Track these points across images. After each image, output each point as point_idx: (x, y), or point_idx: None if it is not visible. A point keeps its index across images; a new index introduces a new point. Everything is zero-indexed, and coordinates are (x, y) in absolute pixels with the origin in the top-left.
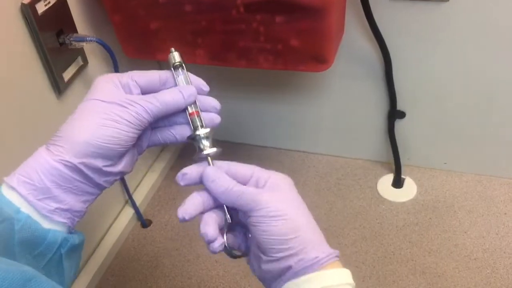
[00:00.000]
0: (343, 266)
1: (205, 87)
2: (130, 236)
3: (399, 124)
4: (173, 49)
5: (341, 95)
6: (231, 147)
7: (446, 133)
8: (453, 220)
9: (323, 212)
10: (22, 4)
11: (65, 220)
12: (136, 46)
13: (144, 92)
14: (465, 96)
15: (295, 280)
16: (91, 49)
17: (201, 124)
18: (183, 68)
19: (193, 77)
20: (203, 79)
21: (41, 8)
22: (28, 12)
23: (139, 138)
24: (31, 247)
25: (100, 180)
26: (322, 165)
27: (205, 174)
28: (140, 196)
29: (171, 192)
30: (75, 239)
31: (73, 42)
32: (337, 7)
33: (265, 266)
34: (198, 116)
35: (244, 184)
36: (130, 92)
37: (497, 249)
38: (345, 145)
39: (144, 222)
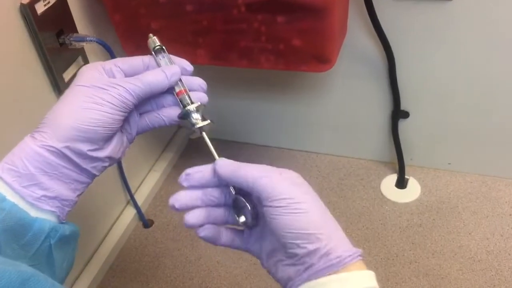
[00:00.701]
0: (366, 267)
1: (189, 67)
2: (132, 236)
3: (402, 124)
4: (151, 34)
5: (344, 95)
6: (233, 147)
7: (450, 133)
8: (457, 221)
9: None
10: (21, 4)
11: (53, 209)
12: (137, 46)
13: (128, 76)
14: (469, 96)
15: (316, 280)
16: (92, 49)
17: (190, 101)
18: (164, 51)
19: (176, 58)
20: (205, 78)
21: (40, 8)
22: (27, 12)
23: (127, 123)
24: (17, 236)
25: (88, 165)
26: (325, 165)
27: (219, 161)
28: (142, 195)
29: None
30: (65, 229)
31: (73, 42)
32: (339, 6)
33: (284, 262)
34: (186, 93)
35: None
36: (113, 77)
37: (501, 251)
38: (348, 145)
39: (146, 222)
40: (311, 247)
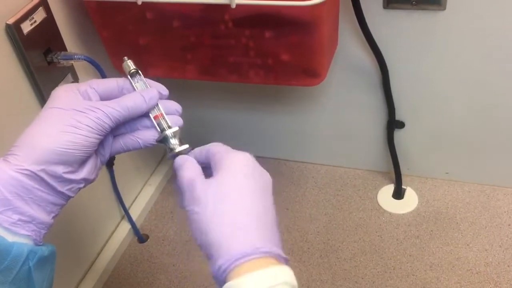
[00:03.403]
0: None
1: (164, 91)
2: (126, 252)
3: (398, 134)
4: (126, 58)
5: (339, 105)
6: None
7: (447, 142)
8: (455, 232)
9: (322, 225)
10: (6, 25)
11: (28, 233)
12: None
13: (103, 99)
14: (466, 105)
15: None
16: (81, 66)
17: (167, 125)
18: (139, 74)
19: (152, 82)
20: (198, 89)
21: (26, 27)
22: (12, 32)
23: (101, 146)
24: None
25: (63, 188)
26: (321, 175)
27: (175, 161)
28: (137, 210)
29: (168, 206)
30: (43, 251)
31: (61, 60)
32: (327, 20)
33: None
34: (163, 118)
35: (208, 164)
36: (89, 99)
37: (500, 263)
38: (345, 155)
39: (141, 237)
40: (206, 251)
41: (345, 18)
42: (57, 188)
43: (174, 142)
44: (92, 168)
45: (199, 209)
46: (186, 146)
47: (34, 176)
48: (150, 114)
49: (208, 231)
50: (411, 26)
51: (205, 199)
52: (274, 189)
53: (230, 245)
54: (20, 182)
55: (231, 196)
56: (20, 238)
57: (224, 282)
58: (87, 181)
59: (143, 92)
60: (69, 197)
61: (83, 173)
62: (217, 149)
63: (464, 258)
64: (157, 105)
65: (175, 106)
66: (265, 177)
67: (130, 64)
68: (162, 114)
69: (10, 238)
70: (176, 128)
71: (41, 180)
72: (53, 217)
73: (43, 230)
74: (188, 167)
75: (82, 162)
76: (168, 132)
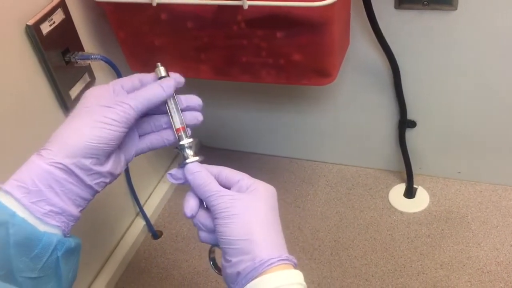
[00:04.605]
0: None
1: (180, 79)
2: (141, 248)
3: (410, 133)
4: (159, 64)
5: (351, 104)
6: (242, 157)
7: (459, 142)
8: (466, 231)
9: (333, 223)
10: (27, 26)
11: (58, 224)
12: (142, 62)
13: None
14: (477, 104)
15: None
16: (98, 65)
17: (185, 134)
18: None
19: (170, 73)
20: (212, 89)
21: (45, 28)
22: (32, 33)
23: (126, 144)
24: (27, 249)
25: (92, 182)
26: (333, 174)
27: (187, 167)
28: (151, 207)
29: (182, 203)
30: (70, 242)
31: (79, 60)
32: (338, 21)
33: (225, 270)
34: (184, 131)
35: (229, 188)
36: (117, 95)
37: (511, 262)
38: (356, 154)
39: (155, 234)
40: (239, 254)
41: (356, 19)
42: (86, 181)
43: (188, 152)
44: (116, 162)
45: (240, 218)
46: (197, 158)
47: (66, 169)
48: (173, 127)
49: (253, 235)
50: (423, 26)
51: (236, 210)
52: (286, 188)
53: (274, 249)
54: (52, 175)
55: (267, 212)
56: (50, 229)
57: (254, 276)
58: (112, 176)
59: (160, 82)
60: (96, 192)
61: (109, 166)
62: (240, 175)
63: (475, 257)
64: (176, 97)
65: (196, 100)
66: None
67: (161, 71)
68: (183, 128)
69: (41, 228)
70: (190, 140)
71: (72, 173)
72: (80, 211)
73: (71, 222)
74: (207, 176)
75: (108, 156)
76: (183, 142)
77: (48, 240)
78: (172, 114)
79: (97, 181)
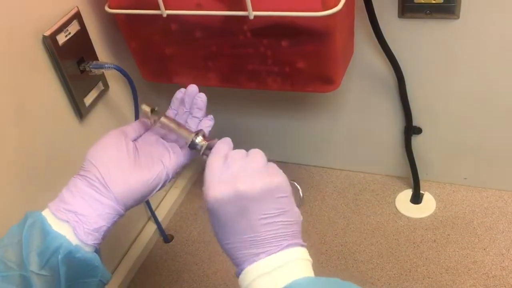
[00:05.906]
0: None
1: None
2: (152, 251)
3: (416, 139)
4: (144, 105)
5: (357, 111)
6: None
7: (465, 148)
8: (472, 236)
9: (340, 228)
10: (44, 36)
11: (66, 219)
12: (153, 71)
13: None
14: (482, 111)
15: (258, 262)
16: (112, 74)
17: (198, 138)
18: (156, 112)
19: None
20: (220, 96)
21: (61, 38)
22: (49, 43)
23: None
24: (37, 243)
25: None
26: (340, 180)
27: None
28: (163, 211)
29: (192, 208)
30: (77, 250)
31: (93, 69)
32: (341, 30)
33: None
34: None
35: None
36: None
37: None
38: (364, 160)
39: (166, 237)
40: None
41: (361, 27)
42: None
43: (198, 140)
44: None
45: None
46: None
47: (121, 214)
48: (186, 140)
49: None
50: (426, 34)
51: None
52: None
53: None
54: (111, 216)
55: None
56: (63, 232)
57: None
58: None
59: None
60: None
61: None
62: None
63: (480, 262)
64: (168, 116)
65: (209, 123)
66: None
67: (146, 109)
68: (193, 133)
69: (55, 227)
70: (195, 131)
71: (122, 215)
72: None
73: (86, 226)
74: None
75: None
76: (191, 137)
77: (52, 238)
78: (179, 133)
79: None
